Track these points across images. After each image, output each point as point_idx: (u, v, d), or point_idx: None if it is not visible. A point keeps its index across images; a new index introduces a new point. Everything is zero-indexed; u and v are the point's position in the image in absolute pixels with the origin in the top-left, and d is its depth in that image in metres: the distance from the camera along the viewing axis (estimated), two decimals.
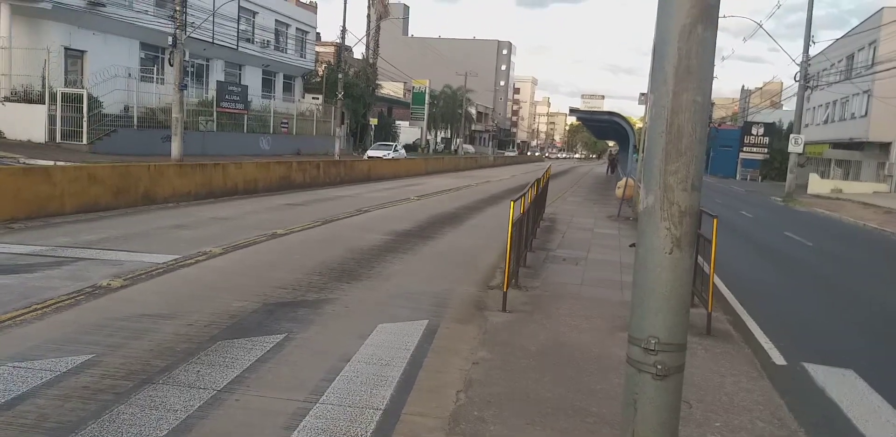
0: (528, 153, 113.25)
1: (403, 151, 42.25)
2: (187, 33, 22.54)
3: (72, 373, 4.55)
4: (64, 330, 5.46)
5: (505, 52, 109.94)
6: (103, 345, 5.14)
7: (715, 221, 6.52)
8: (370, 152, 36.76)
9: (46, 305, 6.10)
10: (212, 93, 32.07)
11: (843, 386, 5.49)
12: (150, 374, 4.61)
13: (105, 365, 4.73)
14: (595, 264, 10.10)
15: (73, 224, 11.01)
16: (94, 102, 23.54)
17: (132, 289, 6.93)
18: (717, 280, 7.46)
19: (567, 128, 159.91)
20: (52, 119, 23.01)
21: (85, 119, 23.02)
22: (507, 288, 6.95)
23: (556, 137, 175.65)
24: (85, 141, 23.13)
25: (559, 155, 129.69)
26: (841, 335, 7.52)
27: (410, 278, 8.28)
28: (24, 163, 17.15)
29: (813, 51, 31.10)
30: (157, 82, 28.59)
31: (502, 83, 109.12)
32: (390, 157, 35.69)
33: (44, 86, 23.08)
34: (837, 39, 40.41)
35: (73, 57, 26.43)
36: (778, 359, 6.14)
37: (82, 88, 23.95)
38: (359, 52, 53.40)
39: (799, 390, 5.38)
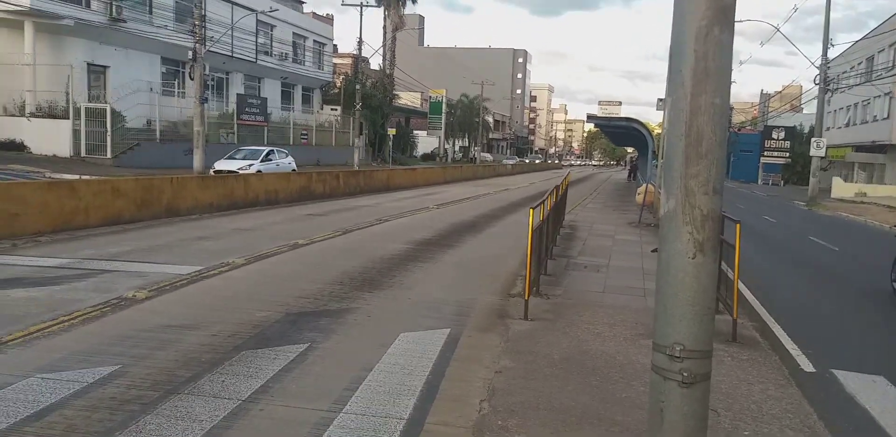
0: (548, 161, 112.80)
1: (287, 160, 25.06)
2: (207, 47, 22.87)
3: (99, 384, 4.60)
4: (90, 342, 5.52)
5: (521, 60, 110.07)
6: (129, 356, 5.19)
7: (738, 226, 6.45)
8: (218, 165, 22.13)
9: (73, 317, 6.19)
10: (232, 106, 32.47)
11: (874, 393, 5.38)
12: (175, 384, 4.65)
13: (131, 376, 4.78)
14: (617, 271, 10.03)
15: (98, 237, 11.17)
16: (117, 117, 23.93)
17: (157, 300, 7.01)
18: (741, 286, 7.37)
19: (585, 135, 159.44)
20: (76, 134, 23.43)
21: (109, 133, 23.39)
22: (528, 296, 6.92)
23: (574, 145, 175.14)
24: (109, 155, 23.49)
25: (573, 162, 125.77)
26: (870, 341, 7.38)
27: (431, 287, 8.28)
28: (49, 177, 17.46)
29: (832, 53, 30.83)
30: (179, 96, 29.04)
31: (518, 91, 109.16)
32: (253, 170, 21.53)
33: (68, 101, 23.51)
34: (857, 41, 39.98)
35: (96, 72, 26.92)
36: (806, 366, 6.04)
37: (105, 102, 24.37)
38: (375, 63, 53.79)
39: (829, 397, 5.29)
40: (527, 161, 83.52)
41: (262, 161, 23.21)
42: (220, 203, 15.77)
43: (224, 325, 6.13)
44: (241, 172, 20.81)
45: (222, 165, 22.33)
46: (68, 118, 23.33)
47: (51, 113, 24.05)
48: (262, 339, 5.79)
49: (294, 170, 23.82)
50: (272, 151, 24.80)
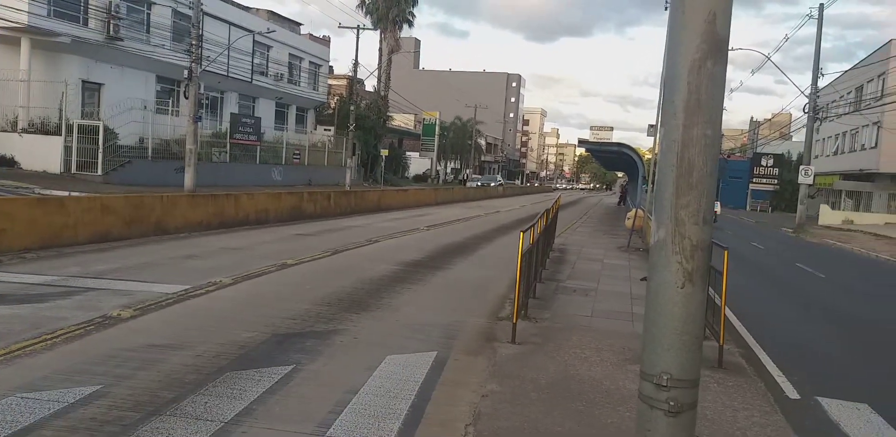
0: (538, 184, 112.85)
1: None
2: (203, 67, 23.00)
3: (79, 404, 4.54)
4: (73, 360, 5.47)
5: (514, 84, 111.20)
6: (112, 376, 5.14)
7: (726, 252, 6.49)
8: None
9: (56, 335, 6.13)
10: (225, 124, 32.54)
11: (857, 421, 5.38)
12: (157, 405, 4.60)
13: (113, 396, 4.72)
14: (605, 295, 10.04)
15: (85, 254, 11.10)
16: (109, 134, 23.92)
17: (142, 319, 6.95)
18: (728, 312, 7.39)
19: (576, 159, 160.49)
20: (67, 150, 23.37)
21: (100, 150, 23.36)
22: (516, 319, 6.92)
23: (566, 168, 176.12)
24: (100, 172, 23.42)
25: (557, 185, 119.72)
26: (855, 369, 7.40)
27: (420, 309, 8.25)
28: (38, 193, 17.38)
29: (821, 83, 31.29)
30: (172, 114, 29.08)
31: (511, 115, 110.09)
32: None
33: (61, 118, 23.50)
34: (846, 71, 40.68)
35: (91, 89, 26.97)
36: (791, 393, 6.04)
37: (98, 119, 24.38)
38: (371, 84, 54.23)
39: (813, 425, 5.29)
40: (517, 184, 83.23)
41: None
42: (209, 222, 15.73)
43: (209, 345, 6.09)
44: None
45: None
46: (60, 135, 23.30)
47: (43, 129, 24.01)
48: (247, 360, 5.74)
49: None
50: None
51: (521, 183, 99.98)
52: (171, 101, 30.13)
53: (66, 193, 16.54)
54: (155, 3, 28.98)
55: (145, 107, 27.45)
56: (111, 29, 26.33)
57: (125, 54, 27.14)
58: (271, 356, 5.88)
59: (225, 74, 32.61)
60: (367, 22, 45.50)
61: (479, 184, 55.67)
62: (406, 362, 5.95)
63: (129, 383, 5.01)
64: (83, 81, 26.19)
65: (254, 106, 38.28)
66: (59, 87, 23.51)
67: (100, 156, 23.40)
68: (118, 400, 4.65)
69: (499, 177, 68.39)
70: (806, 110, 30.59)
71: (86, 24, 25.73)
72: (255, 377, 5.30)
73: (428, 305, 8.58)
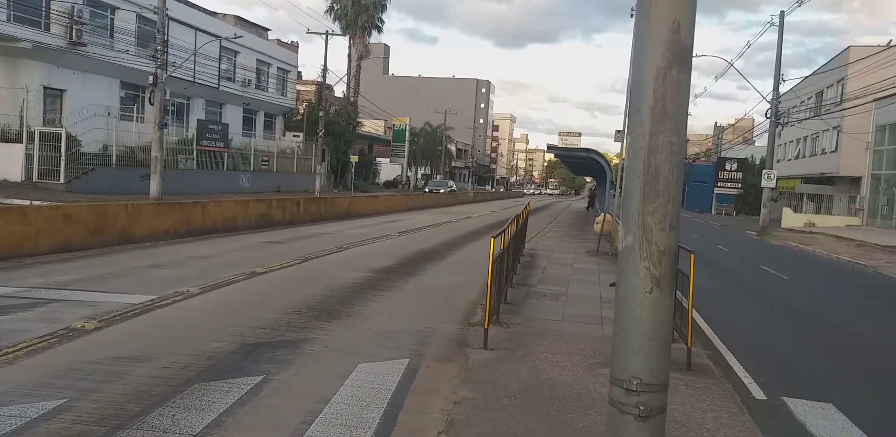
0: (508, 189, 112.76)
1: None
2: (168, 72, 22.70)
3: (43, 419, 4.43)
4: (35, 374, 5.33)
5: (484, 90, 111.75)
6: (76, 389, 5.02)
7: (692, 256, 6.59)
8: None
9: (18, 348, 5.96)
10: (192, 131, 32.13)
11: (822, 420, 5.50)
12: (123, 419, 4.50)
13: (77, 410, 4.61)
14: (575, 299, 10.12)
15: (47, 264, 10.84)
16: (72, 141, 23.46)
17: (107, 331, 6.81)
18: (695, 315, 7.51)
19: (545, 164, 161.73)
20: (29, 158, 22.87)
21: (63, 158, 22.89)
22: (488, 325, 6.93)
23: (535, 173, 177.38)
24: (62, 180, 22.95)
25: (525, 191, 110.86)
26: (819, 369, 7.56)
27: (391, 317, 8.22)
28: None
29: (782, 88, 32.07)
30: (137, 121, 28.62)
31: (481, 121, 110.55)
32: None
33: (21, 125, 22.98)
34: (806, 77, 41.70)
35: (53, 96, 26.42)
36: (758, 394, 6.15)
37: (61, 126, 23.88)
38: (340, 90, 53.99)
39: (780, 425, 5.38)
40: (487, 189, 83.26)
41: None
42: (176, 230, 15.49)
43: (176, 356, 5.99)
44: None
45: None
46: (21, 142, 22.77)
47: (3, 137, 23.42)
48: (216, 371, 5.66)
49: None
50: None
51: (492, 188, 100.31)
52: (135, 107, 29.65)
53: (27, 202, 16.16)
54: (119, 8, 28.53)
55: (109, 113, 26.99)
56: (74, 34, 25.83)
57: (88, 60, 26.64)
58: (240, 367, 5.80)
59: (191, 79, 32.21)
60: (336, 28, 45.45)
61: (427, 190, 51.09)
62: (378, 370, 5.92)
63: (94, 396, 4.90)
64: (45, 88, 25.65)
65: (221, 112, 37.86)
66: (19, 93, 23.00)
67: (62, 164, 22.93)
68: (83, 414, 4.55)
69: (450, 182, 62.07)
70: (768, 115, 31.29)
71: (47, 29, 25.21)
72: (224, 388, 5.22)
73: (399, 312, 8.55)
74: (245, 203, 19.38)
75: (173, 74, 24.87)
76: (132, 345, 6.31)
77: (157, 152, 21.68)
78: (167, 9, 22.49)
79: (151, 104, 22.26)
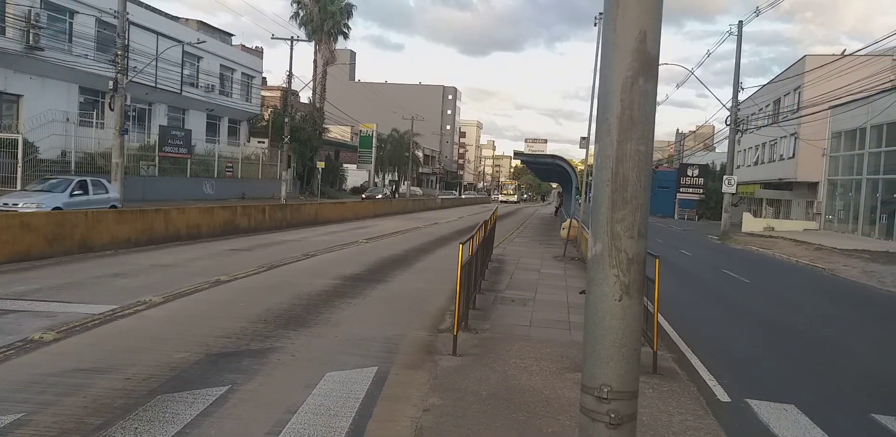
0: (475, 195, 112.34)
1: (105, 196, 19.77)
2: (129, 78, 22.29)
3: None
4: None
5: (450, 97, 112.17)
6: (34, 403, 4.87)
7: (657, 261, 6.68)
8: None
9: None
10: (154, 137, 31.62)
11: (785, 421, 5.61)
12: (84, 433, 4.38)
13: (36, 425, 4.48)
14: (543, 304, 10.18)
15: (4, 274, 10.52)
16: (29, 148, 22.88)
17: (66, 342, 6.63)
18: (661, 319, 7.61)
19: (512, 170, 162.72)
20: None
21: (20, 165, 22.30)
22: (457, 331, 6.93)
23: (502, 179, 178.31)
24: (19, 188, 22.31)
25: (494, 197, 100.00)
26: (781, 370, 7.72)
27: (359, 324, 8.17)
28: None
29: (741, 96, 32.81)
30: (97, 127, 28.06)
31: (448, 127, 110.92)
32: (33, 209, 16.18)
33: None
34: (764, 85, 42.77)
35: (9, 101, 25.76)
36: (722, 396, 6.25)
37: (17, 132, 23.27)
38: (306, 96, 53.67)
39: (744, 426, 5.48)
40: (455, 194, 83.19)
41: (71, 195, 18.23)
42: (138, 238, 15.18)
43: (139, 368, 5.85)
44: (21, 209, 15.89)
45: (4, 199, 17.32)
46: None
47: None
48: (180, 382, 5.55)
49: (116, 207, 18.94)
50: (85, 181, 19.30)
51: (459, 194, 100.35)
52: (95, 113, 29.05)
53: None
54: (78, 12, 27.97)
55: (68, 119, 26.40)
56: (31, 38, 25.26)
57: (46, 64, 26.04)
58: (205, 377, 5.69)
59: (153, 85, 31.70)
60: (302, 33, 45.14)
61: (363, 196, 50.84)
62: (346, 378, 5.86)
63: (54, 409, 4.76)
64: (1, 93, 24.99)
65: (184, 118, 37.31)
66: None
67: (19, 171, 22.33)
68: (41, 428, 4.41)
69: (384, 188, 62.39)
70: (728, 123, 31.99)
71: (3, 32, 24.60)
72: (189, 399, 5.12)
73: (368, 319, 8.50)
74: (209, 210, 19.08)
75: (134, 80, 24.44)
76: (92, 356, 6.15)
77: (117, 159, 21.27)
78: (128, 13, 22.12)
79: (112, 110, 21.83)
